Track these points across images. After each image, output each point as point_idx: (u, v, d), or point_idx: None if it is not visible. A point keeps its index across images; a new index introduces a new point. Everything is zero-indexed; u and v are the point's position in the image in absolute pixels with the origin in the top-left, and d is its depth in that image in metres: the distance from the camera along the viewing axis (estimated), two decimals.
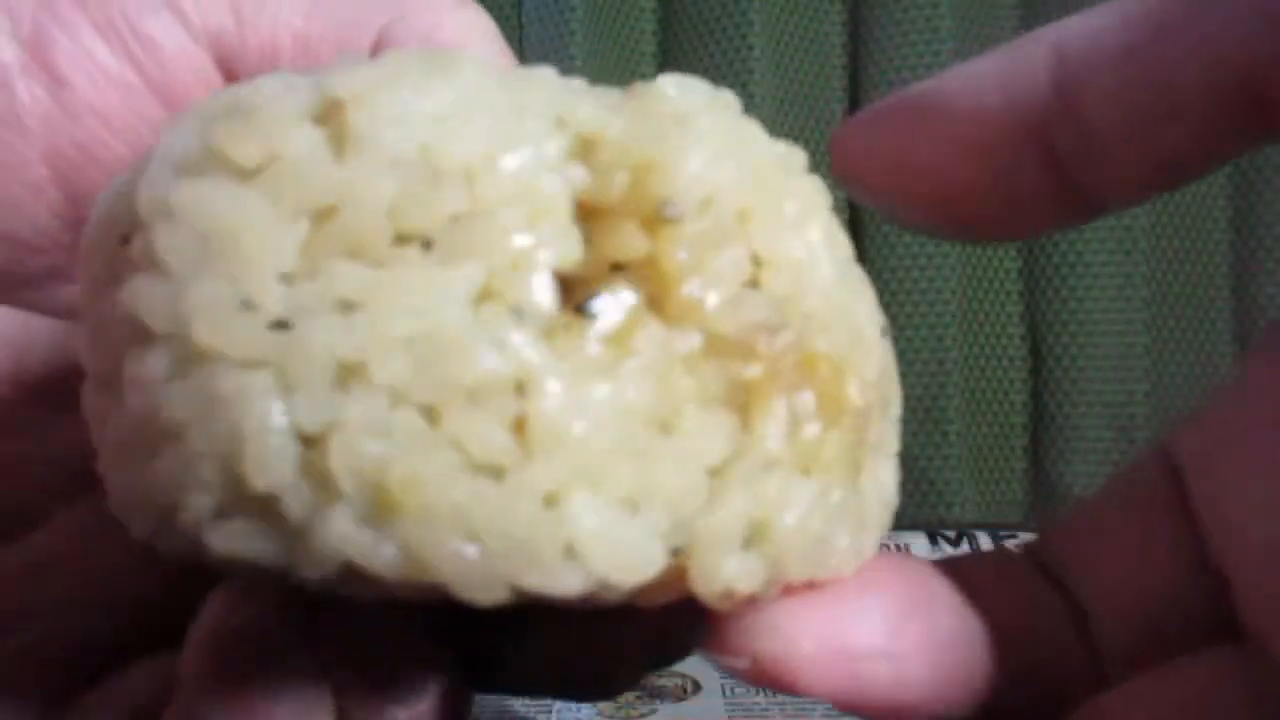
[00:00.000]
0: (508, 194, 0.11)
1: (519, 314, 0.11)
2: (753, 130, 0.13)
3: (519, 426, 0.10)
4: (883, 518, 0.14)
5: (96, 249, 0.12)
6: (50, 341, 0.17)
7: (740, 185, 0.12)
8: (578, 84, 0.13)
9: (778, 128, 0.52)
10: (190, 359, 0.11)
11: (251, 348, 0.10)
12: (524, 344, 0.11)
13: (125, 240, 0.11)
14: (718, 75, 0.51)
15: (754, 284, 0.12)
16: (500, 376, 0.10)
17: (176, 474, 0.11)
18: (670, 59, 0.52)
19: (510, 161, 0.11)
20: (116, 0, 0.15)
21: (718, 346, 0.11)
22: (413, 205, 0.11)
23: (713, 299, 0.11)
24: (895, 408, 0.14)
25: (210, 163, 0.11)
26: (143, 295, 0.11)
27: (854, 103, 0.52)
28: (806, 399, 0.12)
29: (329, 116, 0.11)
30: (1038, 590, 0.15)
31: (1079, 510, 0.15)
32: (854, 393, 0.12)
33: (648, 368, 0.11)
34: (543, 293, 0.11)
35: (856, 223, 0.53)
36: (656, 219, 0.11)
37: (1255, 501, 0.12)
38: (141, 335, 0.11)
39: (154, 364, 0.11)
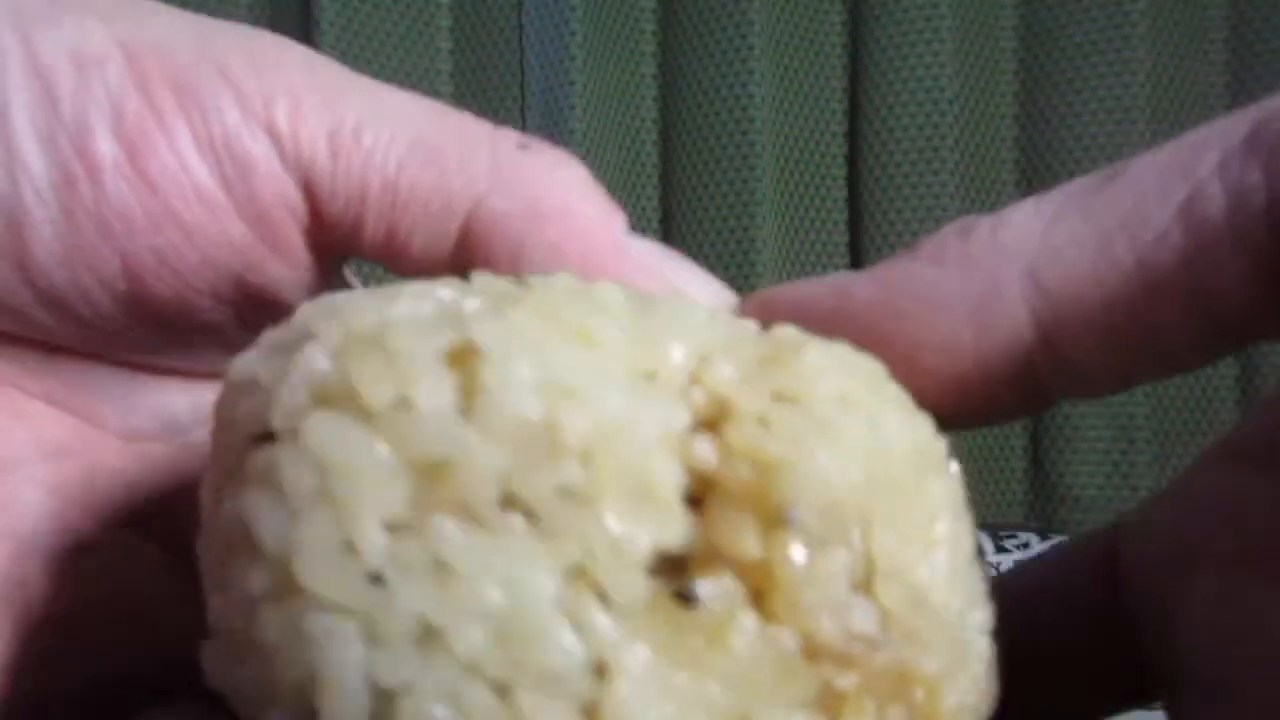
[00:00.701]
0: (619, 475, 0.11)
1: (605, 598, 0.11)
2: (895, 415, 0.12)
3: (590, 711, 0.11)
4: None
5: (226, 431, 0.12)
6: (163, 469, 0.18)
7: (869, 487, 0.11)
8: (722, 321, 0.12)
9: (777, 129, 0.52)
10: (289, 589, 0.11)
11: (345, 596, 0.11)
12: (607, 630, 0.11)
13: (255, 441, 0.12)
14: (718, 75, 0.51)
15: (866, 589, 0.11)
16: (576, 660, 0.10)
17: (259, 686, 0.11)
18: (670, 59, 0.52)
19: (628, 442, 0.11)
20: (217, 114, 0.15)
21: (815, 651, 0.11)
22: (525, 475, 0.11)
23: (819, 606, 0.11)
24: (992, 710, 0.13)
25: (343, 396, 0.11)
26: (259, 513, 0.11)
27: (854, 103, 0.52)
28: (897, 713, 0.12)
29: (462, 361, 0.11)
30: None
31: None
32: (948, 713, 0.12)
33: (739, 663, 0.11)
34: (634, 580, 0.11)
35: (856, 221, 0.53)
36: (775, 520, 0.11)
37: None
38: (251, 547, 0.11)
39: (256, 580, 0.11)
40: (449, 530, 0.11)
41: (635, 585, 0.11)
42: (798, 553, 0.11)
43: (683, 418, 0.11)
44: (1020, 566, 0.16)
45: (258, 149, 0.15)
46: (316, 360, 0.11)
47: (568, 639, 0.10)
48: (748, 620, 0.11)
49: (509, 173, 0.16)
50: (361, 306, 0.12)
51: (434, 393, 0.11)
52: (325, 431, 0.11)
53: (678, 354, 0.12)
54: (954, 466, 0.13)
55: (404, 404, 0.11)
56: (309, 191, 0.16)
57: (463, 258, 0.16)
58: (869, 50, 0.52)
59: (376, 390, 0.11)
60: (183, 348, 0.17)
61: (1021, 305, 0.12)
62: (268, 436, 0.11)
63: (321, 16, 0.50)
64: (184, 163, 0.15)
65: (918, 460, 0.12)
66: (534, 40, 0.51)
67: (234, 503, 0.12)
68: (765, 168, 0.51)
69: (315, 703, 0.11)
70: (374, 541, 0.11)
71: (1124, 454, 0.49)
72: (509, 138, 0.16)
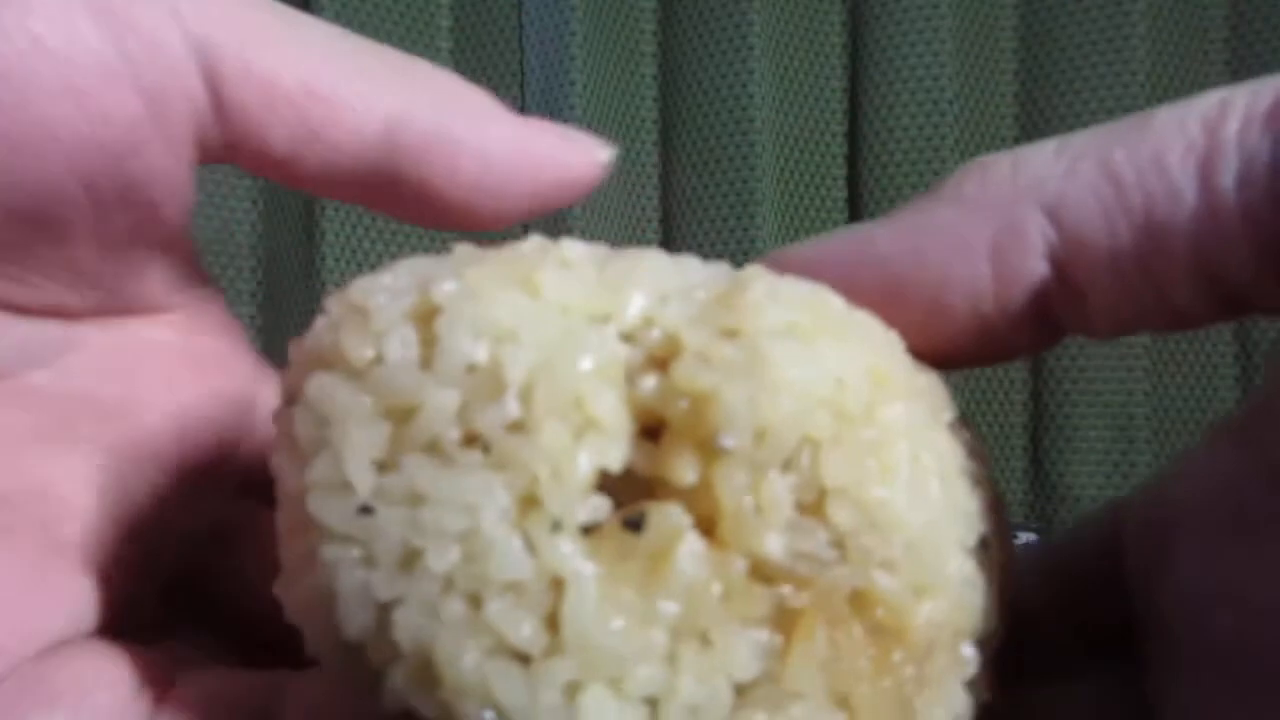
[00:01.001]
0: (559, 407, 0.12)
1: (558, 521, 0.12)
2: (840, 344, 0.13)
3: (550, 621, 0.12)
4: None
5: (282, 393, 0.14)
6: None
7: (810, 412, 0.12)
8: (686, 269, 0.13)
9: (778, 128, 0.52)
10: (305, 523, 0.13)
11: (345, 525, 0.12)
12: (561, 548, 0.12)
13: (288, 402, 0.14)
14: (718, 75, 0.51)
15: (816, 511, 0.12)
16: (533, 576, 0.12)
17: (301, 605, 0.13)
18: (670, 59, 0.52)
19: (565, 376, 0.12)
20: None
21: (765, 572, 0.12)
22: (476, 413, 0.12)
23: (762, 528, 0.12)
24: (979, 627, 0.13)
25: (335, 358, 0.13)
26: (282, 461, 0.13)
27: (854, 103, 0.52)
28: (856, 633, 0.12)
29: (426, 319, 0.13)
30: None
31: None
32: (915, 629, 0.12)
33: (689, 584, 0.12)
34: (581, 502, 0.12)
35: (856, 221, 0.53)
36: (710, 448, 0.12)
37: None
38: (281, 493, 0.13)
39: (283, 519, 0.13)
40: (420, 465, 0.12)
41: (580, 506, 0.12)
42: (736, 478, 0.12)
43: (619, 350, 0.12)
44: (1043, 544, 0.17)
45: (156, 19, 0.14)
46: (320, 330, 0.13)
47: (519, 554, 0.12)
48: (693, 543, 0.12)
49: (415, 76, 0.16)
50: (361, 280, 0.13)
51: (400, 346, 0.12)
52: (321, 388, 0.13)
53: (636, 299, 0.13)
54: (927, 384, 0.14)
55: (379, 359, 0.12)
56: (211, 77, 0.15)
57: (389, 160, 0.16)
58: (869, 50, 0.52)
59: (358, 350, 0.13)
60: (25, 257, 0.15)
61: (1040, 243, 0.12)
62: (292, 399, 0.13)
63: (321, 16, 0.50)
64: (75, 27, 0.14)
65: (870, 386, 0.13)
66: (534, 40, 0.51)
67: (275, 456, 0.14)
68: (765, 168, 0.51)
69: (335, 620, 0.12)
70: (363, 479, 0.12)
71: (1124, 454, 0.49)
72: (421, 60, 0.17)
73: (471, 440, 0.12)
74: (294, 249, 0.51)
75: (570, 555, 0.12)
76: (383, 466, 0.12)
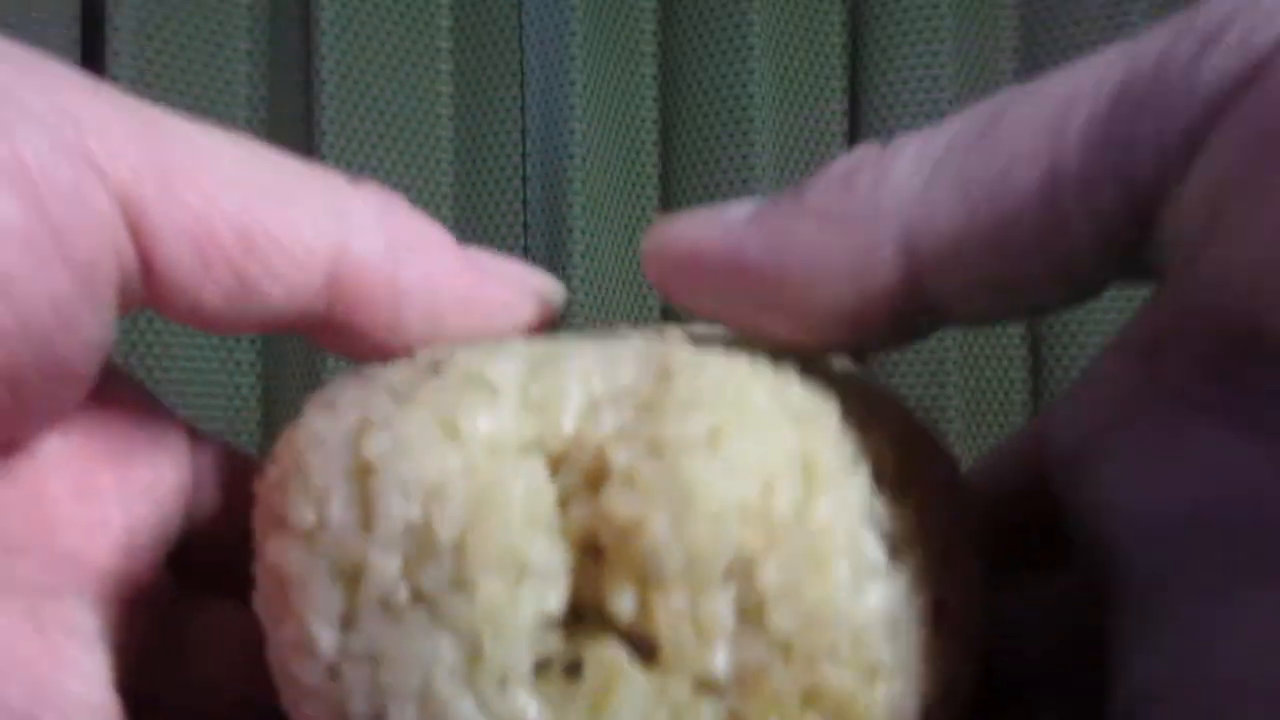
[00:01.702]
0: (494, 559, 0.12)
1: (504, 674, 0.12)
2: (765, 441, 0.13)
3: None
4: None
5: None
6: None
7: (741, 528, 0.12)
8: (615, 362, 0.14)
9: (777, 129, 0.52)
10: (285, 679, 0.13)
11: (315, 685, 0.13)
12: (512, 701, 0.12)
13: (259, 553, 0.14)
14: (718, 75, 0.51)
15: (756, 619, 0.12)
16: None
17: None
18: (670, 59, 0.52)
19: (496, 526, 0.12)
20: (22, 139, 0.12)
21: (712, 685, 0.12)
22: (418, 572, 0.12)
23: (704, 648, 0.12)
24: (944, 690, 0.14)
25: (284, 519, 0.13)
26: (260, 615, 0.14)
27: (854, 102, 0.52)
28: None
29: (361, 477, 0.13)
30: None
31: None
32: (873, 713, 0.13)
33: (635, 717, 0.12)
34: (527, 649, 0.12)
35: None
36: (645, 576, 0.12)
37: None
38: (268, 637, 0.14)
39: (272, 660, 0.14)
40: (376, 623, 0.13)
41: (524, 654, 0.12)
42: (674, 602, 0.12)
43: (548, 489, 0.13)
44: (981, 462, 0.18)
45: (77, 179, 0.13)
46: (269, 486, 0.14)
47: (471, 712, 0.12)
48: (633, 679, 0.12)
49: (358, 213, 0.15)
50: (306, 424, 0.14)
51: (340, 508, 0.13)
52: (278, 552, 0.13)
53: (564, 421, 0.13)
54: (859, 437, 0.14)
55: (322, 522, 0.13)
56: (137, 231, 0.13)
57: (330, 306, 0.15)
58: (869, 50, 0.52)
59: (302, 513, 0.13)
60: None
61: (895, 268, 0.13)
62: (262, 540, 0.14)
63: (321, 16, 0.50)
64: None
65: (801, 480, 0.13)
66: (534, 40, 0.51)
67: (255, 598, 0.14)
68: (765, 168, 0.51)
69: None
70: (327, 640, 0.13)
71: None
72: (338, 177, 0.16)
73: (418, 598, 0.12)
74: None
75: (522, 706, 0.12)
76: (345, 623, 0.13)
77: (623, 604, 0.12)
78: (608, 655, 0.12)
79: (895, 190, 0.13)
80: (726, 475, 0.12)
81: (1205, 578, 0.12)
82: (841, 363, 0.17)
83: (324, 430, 0.14)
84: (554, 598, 0.12)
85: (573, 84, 0.50)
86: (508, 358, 0.14)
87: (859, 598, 0.12)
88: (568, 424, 0.13)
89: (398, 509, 0.13)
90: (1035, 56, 0.53)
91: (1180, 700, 0.12)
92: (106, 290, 0.14)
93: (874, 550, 0.13)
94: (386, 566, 0.12)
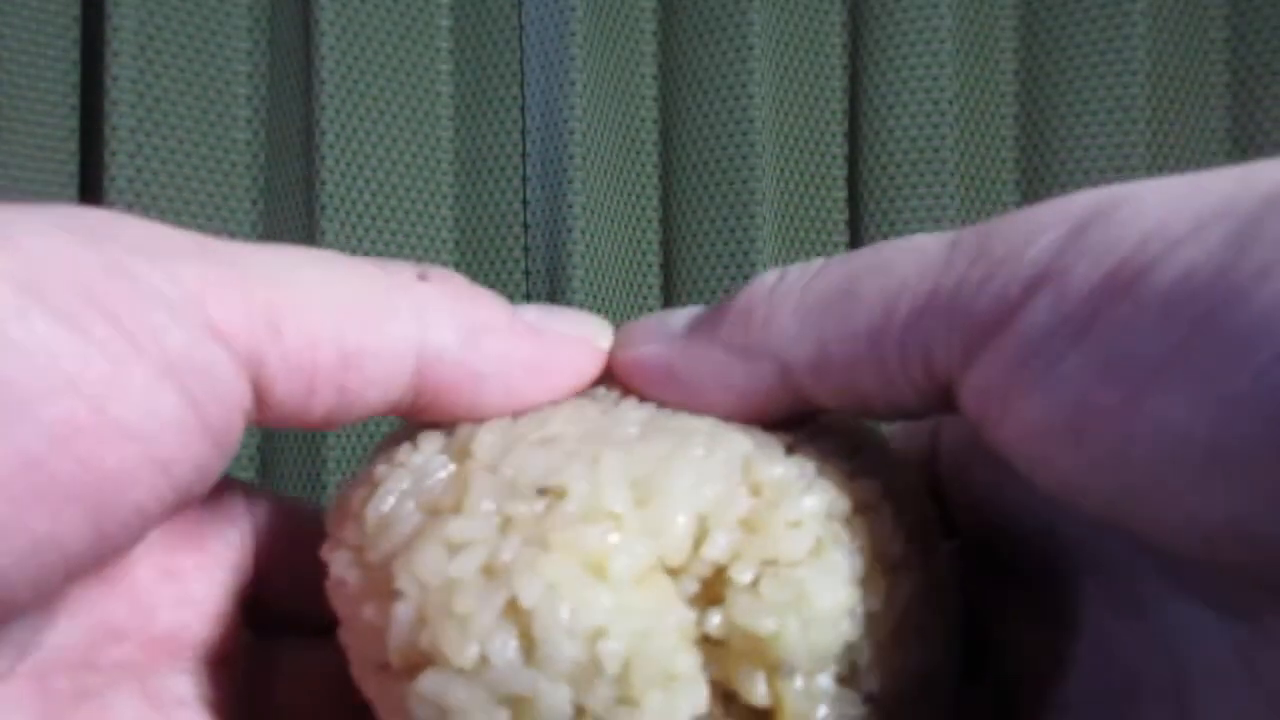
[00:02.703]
0: (651, 677, 0.14)
1: None
2: (857, 550, 0.16)
3: None
4: None
5: (353, 632, 0.16)
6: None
7: (845, 623, 0.15)
8: (707, 473, 0.16)
9: (777, 129, 0.52)
10: None
11: None
12: None
13: (378, 669, 0.16)
14: (718, 75, 0.51)
15: (852, 683, 0.15)
16: None
17: None
18: (670, 59, 0.52)
19: (653, 651, 0.14)
20: (161, 329, 0.14)
21: None
22: (585, 696, 0.14)
23: (812, 711, 0.15)
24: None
25: (438, 657, 0.15)
26: None
27: (854, 102, 0.52)
28: None
29: (517, 618, 0.14)
30: None
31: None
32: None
33: None
34: None
35: (856, 222, 0.53)
36: (776, 669, 0.15)
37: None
38: None
39: None
40: None
41: None
42: (798, 683, 0.15)
43: (687, 615, 0.15)
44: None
45: (211, 359, 0.14)
46: (406, 624, 0.15)
47: None
48: None
49: (432, 308, 0.17)
50: (427, 558, 0.15)
51: (501, 649, 0.14)
52: (436, 685, 0.15)
53: (681, 529, 0.15)
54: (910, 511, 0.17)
55: (484, 661, 0.14)
56: (256, 380, 0.15)
57: (417, 396, 0.17)
58: (869, 50, 0.52)
59: (462, 652, 0.14)
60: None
61: (779, 390, 0.17)
62: (386, 666, 0.15)
63: (321, 16, 0.50)
64: (154, 399, 0.14)
65: (881, 575, 0.16)
66: (534, 40, 0.51)
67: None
68: (765, 168, 0.51)
69: None
70: None
71: None
72: (408, 272, 0.17)
73: (582, 713, 0.14)
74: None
75: None
76: None
77: (756, 691, 0.15)
78: None
79: (780, 332, 0.17)
80: (834, 587, 0.15)
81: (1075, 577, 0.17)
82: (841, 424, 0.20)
83: (456, 570, 0.15)
84: (701, 695, 0.15)
85: (573, 84, 0.50)
86: (609, 475, 0.16)
87: (932, 664, 0.16)
88: (685, 544, 0.15)
89: (564, 650, 0.14)
90: (1035, 56, 0.53)
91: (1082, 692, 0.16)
92: (235, 443, 0.15)
93: (932, 618, 0.17)
94: (555, 695, 0.14)
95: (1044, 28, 0.53)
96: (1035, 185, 0.54)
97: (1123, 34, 0.51)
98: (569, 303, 0.55)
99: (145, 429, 0.14)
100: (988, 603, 0.19)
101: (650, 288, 0.55)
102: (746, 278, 0.56)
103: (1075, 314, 0.13)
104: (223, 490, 0.19)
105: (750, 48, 0.50)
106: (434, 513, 0.16)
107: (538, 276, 0.57)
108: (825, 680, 0.15)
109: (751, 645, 0.15)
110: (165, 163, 0.49)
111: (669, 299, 0.56)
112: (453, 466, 0.16)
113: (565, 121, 0.51)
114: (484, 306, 0.18)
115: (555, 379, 0.18)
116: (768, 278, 0.18)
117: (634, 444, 0.16)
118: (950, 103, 0.51)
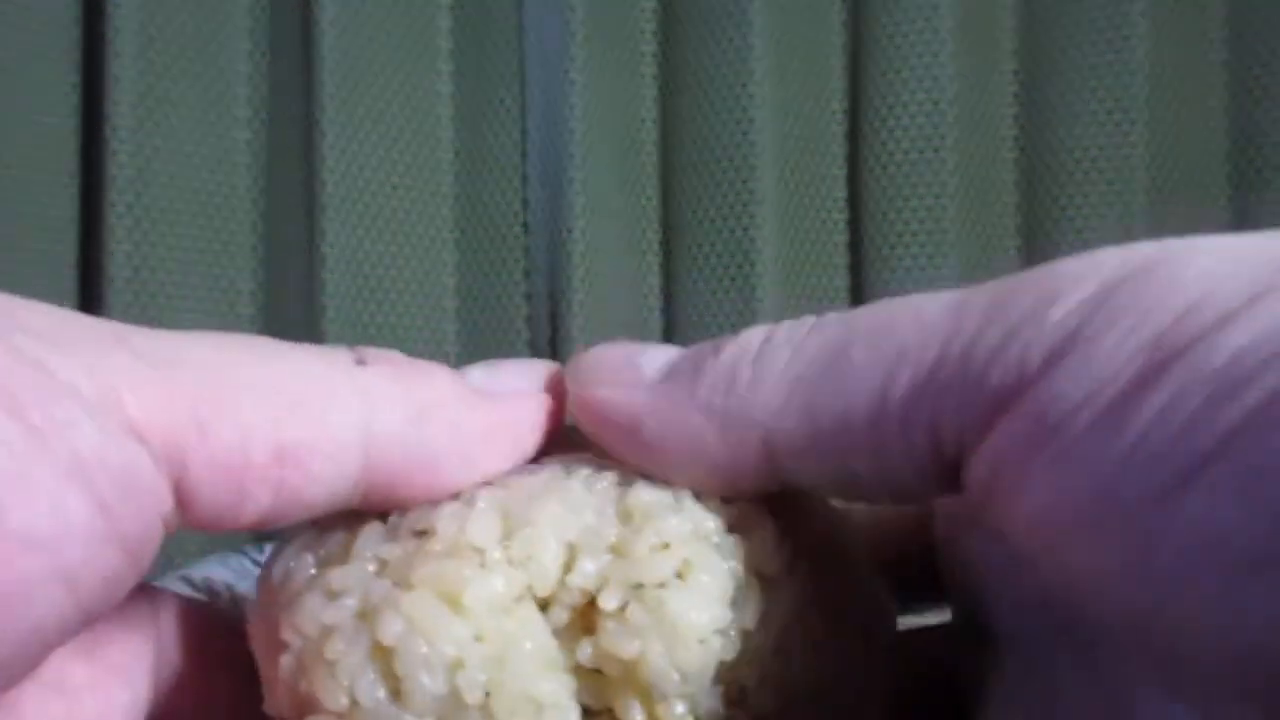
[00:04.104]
0: (517, 707, 0.15)
1: None
2: (723, 569, 0.16)
3: None
4: None
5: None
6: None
7: (717, 643, 0.15)
8: (578, 505, 0.16)
9: (777, 128, 0.52)
10: None
11: None
12: None
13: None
14: (718, 75, 0.51)
15: (742, 703, 0.16)
16: None
17: None
18: (670, 59, 0.52)
19: (515, 681, 0.15)
20: (71, 427, 0.12)
21: None
22: None
23: None
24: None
25: (314, 706, 0.15)
26: None
27: (854, 103, 0.52)
28: None
29: (382, 659, 0.15)
30: None
31: None
32: None
33: None
34: None
35: (856, 222, 0.53)
36: (649, 693, 0.15)
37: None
38: None
39: None
40: None
41: None
42: (678, 709, 0.15)
43: (549, 641, 0.15)
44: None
45: (127, 460, 0.13)
46: (289, 674, 0.16)
47: None
48: None
49: (375, 391, 0.16)
50: (305, 608, 0.16)
51: (370, 690, 0.15)
52: None
53: (550, 566, 0.16)
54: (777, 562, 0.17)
55: (355, 704, 0.15)
56: (179, 482, 0.14)
57: (370, 487, 0.16)
58: (869, 50, 0.52)
59: (334, 698, 0.15)
60: None
61: (758, 459, 0.16)
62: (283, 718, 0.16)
63: (321, 16, 0.50)
64: (62, 505, 0.12)
65: (757, 592, 0.16)
66: (534, 40, 0.51)
67: None
68: (765, 168, 0.51)
69: None
70: None
71: None
72: (345, 356, 0.16)
73: None
74: (295, 247, 0.51)
75: None
76: None
77: (634, 716, 0.15)
78: None
79: (763, 399, 0.16)
80: (699, 606, 0.15)
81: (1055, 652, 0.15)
82: None
83: (330, 617, 0.16)
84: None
85: (573, 84, 0.50)
86: (479, 516, 0.16)
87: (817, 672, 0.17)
88: (552, 573, 0.16)
89: (425, 685, 0.15)
90: (1035, 56, 0.53)
91: None
92: (151, 552, 0.14)
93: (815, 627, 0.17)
94: None
95: (1044, 27, 0.53)
96: (1035, 185, 0.54)
97: (1122, 34, 0.51)
98: (570, 302, 0.55)
99: (48, 537, 0.12)
100: (964, 669, 0.18)
101: (650, 288, 0.55)
102: (747, 278, 0.56)
103: (1103, 391, 0.12)
104: (132, 593, 0.17)
105: (750, 48, 0.50)
106: (325, 565, 0.16)
107: (537, 277, 0.57)
108: (713, 703, 0.16)
109: (622, 671, 0.15)
110: (165, 163, 0.49)
111: (669, 299, 0.56)
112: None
113: (565, 121, 0.51)
114: (428, 381, 0.17)
115: (512, 443, 0.17)
116: (755, 334, 0.17)
117: (516, 480, 0.17)
118: (950, 103, 0.51)
